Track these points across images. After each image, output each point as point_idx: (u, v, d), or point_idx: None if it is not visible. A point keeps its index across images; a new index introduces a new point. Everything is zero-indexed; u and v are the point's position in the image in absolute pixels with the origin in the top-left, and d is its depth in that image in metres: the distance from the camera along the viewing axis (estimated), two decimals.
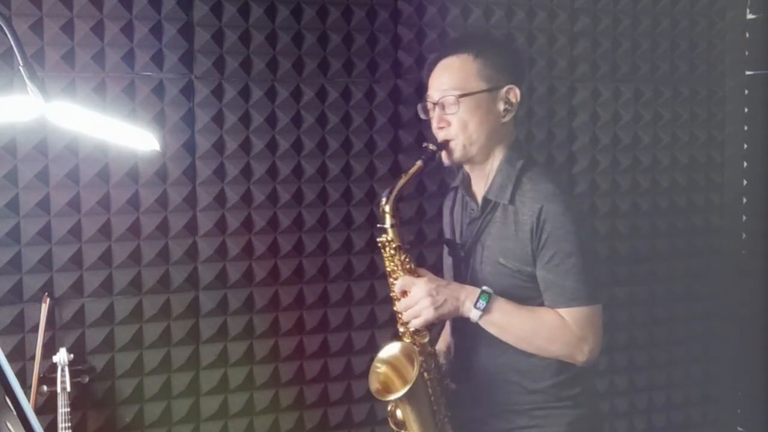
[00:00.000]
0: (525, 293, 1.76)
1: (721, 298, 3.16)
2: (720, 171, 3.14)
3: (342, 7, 2.56)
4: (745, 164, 3.16)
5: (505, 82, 1.82)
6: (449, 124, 1.81)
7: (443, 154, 1.83)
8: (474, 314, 1.72)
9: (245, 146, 2.49)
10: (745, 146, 3.15)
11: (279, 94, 2.52)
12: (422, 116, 1.90)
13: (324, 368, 2.64)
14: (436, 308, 1.72)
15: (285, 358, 2.59)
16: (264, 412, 2.58)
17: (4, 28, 1.50)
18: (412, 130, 2.68)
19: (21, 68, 1.52)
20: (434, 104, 1.83)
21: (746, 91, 3.13)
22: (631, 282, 2.97)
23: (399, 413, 1.82)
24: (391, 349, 1.81)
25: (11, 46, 1.51)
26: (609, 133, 2.94)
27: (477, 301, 1.72)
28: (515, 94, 1.83)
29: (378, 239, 1.86)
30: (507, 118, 1.83)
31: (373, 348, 2.67)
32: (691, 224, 3.09)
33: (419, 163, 1.81)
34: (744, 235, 3.17)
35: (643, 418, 3.07)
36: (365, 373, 2.66)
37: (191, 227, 2.46)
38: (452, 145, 1.82)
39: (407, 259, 1.82)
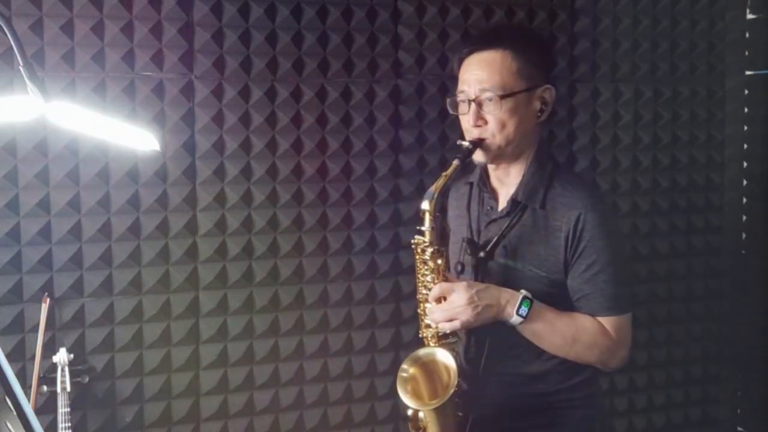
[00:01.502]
0: (549, 299, 1.72)
1: (721, 298, 3.16)
2: (720, 171, 3.14)
3: (342, 7, 2.56)
4: (745, 164, 3.16)
5: (542, 81, 1.77)
6: (486, 122, 1.74)
7: (478, 152, 1.76)
8: (515, 320, 1.67)
9: (245, 146, 2.49)
10: (745, 146, 3.15)
11: (279, 94, 2.52)
12: (451, 111, 1.82)
13: (324, 368, 2.64)
14: (477, 314, 1.66)
15: (285, 358, 2.59)
16: (264, 412, 2.59)
17: (4, 28, 1.50)
18: (412, 130, 2.68)
19: (21, 68, 1.52)
20: (470, 101, 1.74)
21: (746, 91, 3.13)
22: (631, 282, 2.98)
23: (421, 415, 1.78)
24: (424, 353, 1.76)
25: (11, 46, 1.50)
26: (609, 133, 2.95)
27: (519, 307, 1.66)
28: (551, 94, 1.78)
29: (412, 241, 1.80)
30: (542, 118, 1.79)
31: (373, 348, 2.68)
32: (691, 224, 3.10)
33: (456, 162, 1.73)
34: (744, 235, 3.17)
35: (643, 418, 3.07)
36: (365, 373, 2.68)
37: (191, 227, 2.46)
38: (488, 143, 1.75)
39: (442, 264, 1.76)
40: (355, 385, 2.68)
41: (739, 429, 3.21)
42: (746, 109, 3.14)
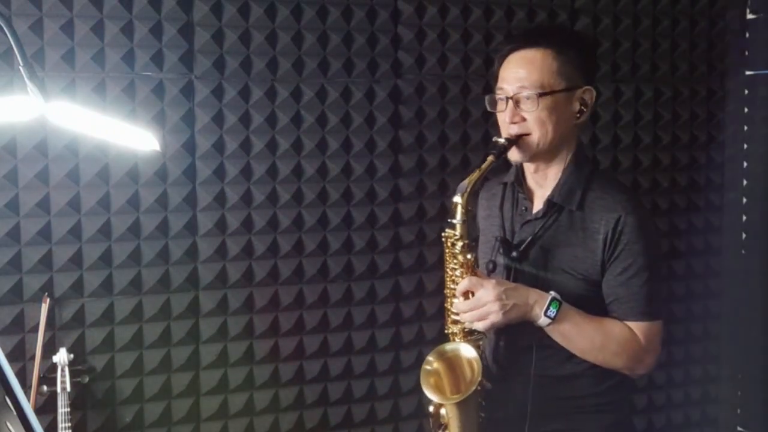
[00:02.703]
0: (583, 301, 1.71)
1: (721, 298, 3.16)
2: (720, 171, 3.14)
3: (342, 7, 2.56)
4: (745, 164, 3.15)
5: (583, 82, 1.76)
6: (523, 120, 1.73)
7: (513, 150, 1.75)
8: (543, 321, 1.67)
9: (245, 146, 2.49)
10: (745, 146, 3.15)
11: (279, 94, 2.52)
12: (489, 108, 1.81)
13: (324, 368, 2.64)
14: (505, 313, 1.65)
15: (285, 358, 2.59)
16: (264, 412, 2.59)
17: (4, 28, 1.50)
18: (411, 130, 2.68)
19: (21, 68, 1.52)
20: (508, 98, 1.73)
21: (746, 91, 3.13)
22: None
23: (443, 412, 1.77)
24: (450, 348, 1.75)
25: (11, 46, 1.50)
26: (609, 133, 2.95)
27: (547, 308, 1.65)
28: (591, 95, 1.77)
29: (442, 234, 1.78)
30: (581, 120, 1.78)
31: (373, 348, 2.68)
32: (691, 224, 3.09)
33: (491, 157, 1.72)
34: (744, 235, 3.17)
35: (643, 418, 3.07)
36: (365, 373, 2.68)
37: (191, 227, 2.46)
38: (524, 142, 1.74)
39: (472, 258, 1.75)
40: (355, 385, 2.68)
41: (739, 429, 3.21)
42: (746, 109, 3.14)
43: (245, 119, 2.48)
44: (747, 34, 3.12)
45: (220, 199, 2.48)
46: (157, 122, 2.39)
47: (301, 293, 2.59)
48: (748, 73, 3.12)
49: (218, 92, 2.45)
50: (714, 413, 3.18)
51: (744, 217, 3.17)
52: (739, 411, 3.21)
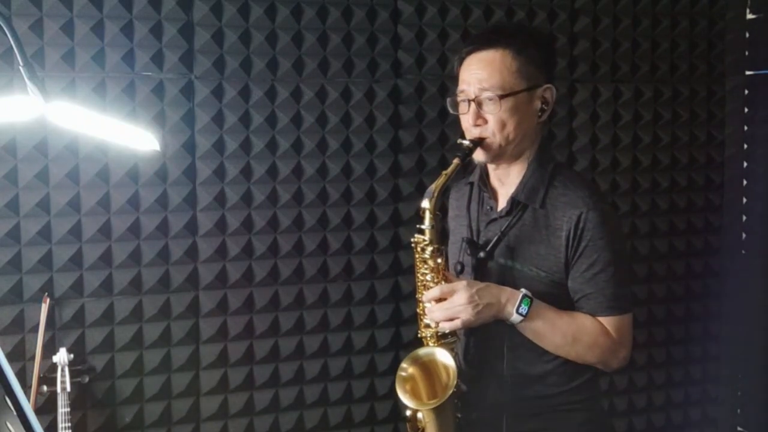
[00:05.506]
0: (549, 299, 1.72)
1: (721, 298, 3.16)
2: (720, 171, 3.14)
3: (342, 7, 2.56)
4: (745, 164, 3.15)
5: (543, 80, 1.76)
6: (486, 122, 1.73)
7: (477, 151, 1.75)
8: (515, 319, 1.67)
9: (245, 146, 2.49)
10: (745, 146, 3.15)
11: (279, 94, 2.52)
12: (451, 110, 1.82)
13: (324, 368, 2.64)
14: (478, 313, 1.65)
15: (285, 358, 2.59)
16: (264, 412, 2.59)
17: (4, 28, 1.50)
18: (412, 130, 2.68)
19: (21, 68, 1.52)
20: (470, 100, 1.73)
21: (746, 91, 3.13)
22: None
23: (420, 416, 1.77)
24: (424, 353, 1.75)
25: (11, 46, 1.50)
26: (609, 133, 2.95)
27: (519, 305, 1.66)
28: (552, 93, 1.77)
29: (412, 240, 1.79)
30: (543, 118, 1.78)
31: (373, 348, 2.68)
32: (691, 224, 3.09)
33: (456, 160, 1.72)
34: (744, 235, 3.17)
35: (643, 418, 3.07)
36: (365, 373, 2.68)
37: (191, 227, 2.46)
38: (488, 143, 1.74)
39: (442, 263, 1.75)
40: (355, 385, 2.68)
41: (739, 429, 3.21)
42: (746, 109, 3.14)
43: (245, 119, 2.49)
44: (747, 34, 3.12)
45: (220, 199, 2.48)
46: (157, 122, 2.39)
47: (301, 293, 2.60)
48: (748, 73, 3.12)
49: (218, 92, 2.45)
50: (714, 413, 3.18)
51: (744, 217, 3.17)
52: (739, 411, 3.21)
